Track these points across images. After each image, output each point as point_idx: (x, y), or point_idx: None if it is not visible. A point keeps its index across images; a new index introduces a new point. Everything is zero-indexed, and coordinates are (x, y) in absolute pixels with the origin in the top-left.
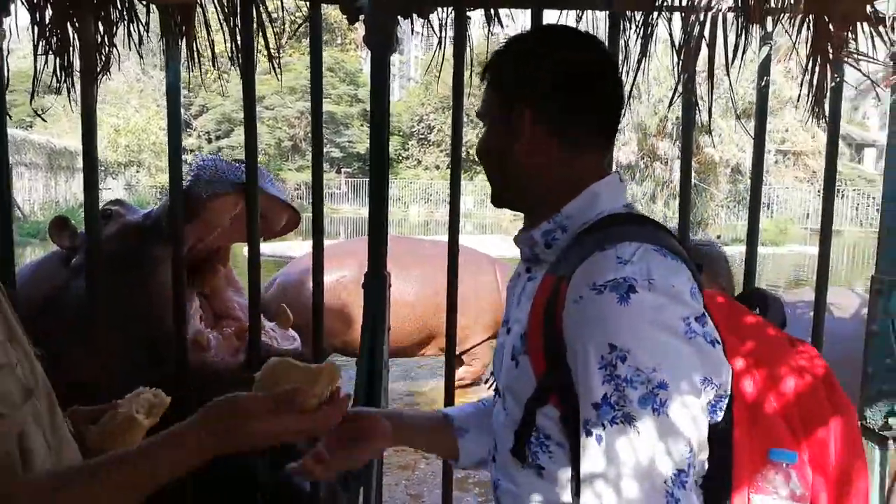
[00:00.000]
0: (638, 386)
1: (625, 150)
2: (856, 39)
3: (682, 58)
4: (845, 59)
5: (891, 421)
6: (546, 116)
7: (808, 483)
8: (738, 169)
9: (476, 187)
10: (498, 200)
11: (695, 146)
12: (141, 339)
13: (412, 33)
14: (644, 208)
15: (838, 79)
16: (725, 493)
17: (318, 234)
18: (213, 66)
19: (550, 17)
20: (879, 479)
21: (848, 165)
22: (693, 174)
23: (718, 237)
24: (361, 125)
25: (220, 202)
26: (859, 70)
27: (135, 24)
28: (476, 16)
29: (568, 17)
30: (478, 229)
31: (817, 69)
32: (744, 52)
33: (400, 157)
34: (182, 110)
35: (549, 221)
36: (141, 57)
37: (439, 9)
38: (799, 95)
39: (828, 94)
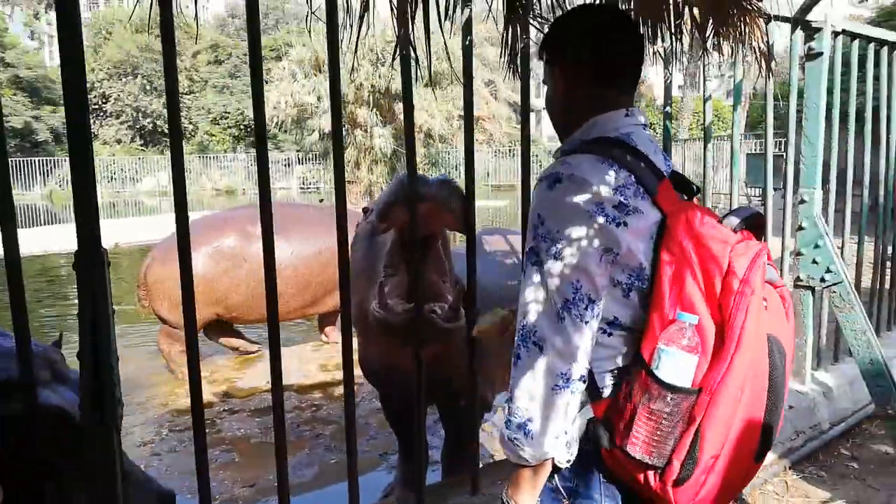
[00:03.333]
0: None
1: (326, 118)
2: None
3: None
4: (531, 22)
5: None
6: (559, 70)
7: (704, 337)
8: (429, 134)
9: (169, 163)
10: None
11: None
12: None
13: None
14: (349, 175)
15: (527, 39)
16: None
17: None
18: None
19: None
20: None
21: (516, 128)
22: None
23: None
24: (14, 94)
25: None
26: (541, 32)
27: None
28: None
29: None
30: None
31: (509, 32)
32: (452, 17)
33: None
34: None
35: (562, 145)
36: None
37: None
38: (501, 54)
39: (519, 54)
